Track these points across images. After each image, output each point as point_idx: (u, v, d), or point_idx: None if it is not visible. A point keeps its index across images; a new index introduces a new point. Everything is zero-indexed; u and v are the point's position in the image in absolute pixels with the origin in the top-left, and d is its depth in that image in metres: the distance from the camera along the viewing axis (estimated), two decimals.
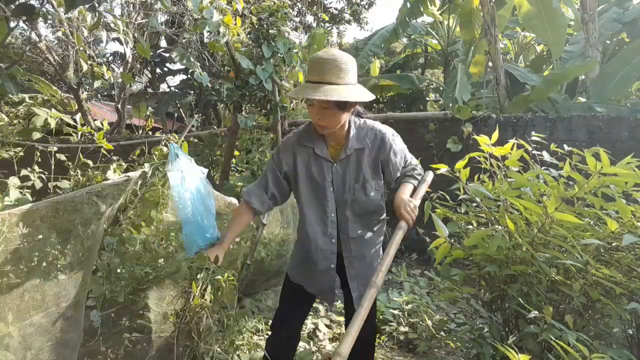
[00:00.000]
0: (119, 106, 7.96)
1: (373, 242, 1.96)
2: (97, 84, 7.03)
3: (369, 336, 2.06)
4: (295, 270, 2.06)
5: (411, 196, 1.87)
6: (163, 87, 9.18)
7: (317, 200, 1.90)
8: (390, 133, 1.96)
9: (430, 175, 2.00)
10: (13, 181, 2.60)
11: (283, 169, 1.92)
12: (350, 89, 1.70)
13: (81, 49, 5.48)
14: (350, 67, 1.70)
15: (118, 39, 6.35)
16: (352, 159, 1.87)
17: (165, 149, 2.13)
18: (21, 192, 2.62)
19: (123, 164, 2.53)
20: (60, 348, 1.57)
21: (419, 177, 1.96)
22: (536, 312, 1.60)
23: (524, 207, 1.74)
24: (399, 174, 1.96)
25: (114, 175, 2.39)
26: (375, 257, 1.96)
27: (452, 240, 1.96)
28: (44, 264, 1.48)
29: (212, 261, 1.80)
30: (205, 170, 2.20)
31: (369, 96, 1.76)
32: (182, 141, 2.15)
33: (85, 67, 5.26)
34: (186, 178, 2.00)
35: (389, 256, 1.67)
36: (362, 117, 1.98)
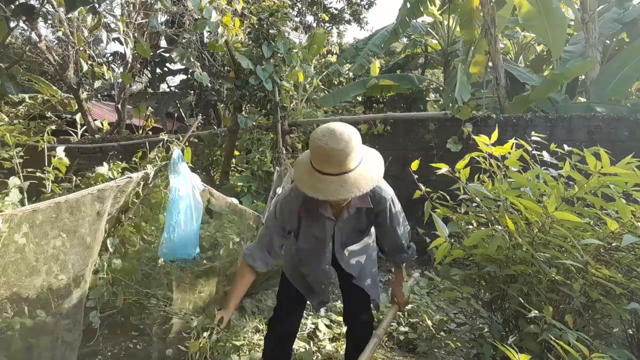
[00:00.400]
0: (119, 106, 7.95)
1: (365, 245, 2.17)
2: (97, 84, 7.05)
3: (367, 335, 2.11)
4: (291, 277, 2.18)
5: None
6: (163, 87, 9.17)
7: (316, 249, 2.04)
8: (390, 197, 1.98)
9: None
10: (13, 181, 2.60)
11: (287, 228, 1.97)
12: (366, 168, 1.64)
13: (81, 49, 5.49)
14: (355, 144, 1.60)
15: (118, 39, 6.35)
16: (353, 216, 1.97)
17: (168, 150, 2.13)
18: (21, 193, 2.63)
19: (119, 162, 2.53)
20: (60, 348, 1.57)
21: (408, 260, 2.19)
22: (536, 312, 1.60)
23: (524, 206, 1.74)
24: (390, 241, 2.10)
25: (106, 172, 2.39)
26: (365, 250, 2.16)
27: (452, 240, 1.96)
28: (45, 264, 1.48)
29: (217, 323, 1.86)
30: (201, 188, 2.22)
31: (380, 166, 1.75)
32: (186, 145, 2.16)
33: (85, 67, 5.26)
34: (184, 185, 2.03)
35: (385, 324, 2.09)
36: None
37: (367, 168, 1.65)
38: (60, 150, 2.60)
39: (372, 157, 1.75)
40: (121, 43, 5.75)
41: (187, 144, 2.15)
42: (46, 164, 2.70)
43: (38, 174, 2.66)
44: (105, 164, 2.43)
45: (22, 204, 2.40)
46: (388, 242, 2.11)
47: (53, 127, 4.29)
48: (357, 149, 1.62)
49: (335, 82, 9.74)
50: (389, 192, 1.97)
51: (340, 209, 1.90)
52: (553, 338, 1.45)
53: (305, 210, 1.89)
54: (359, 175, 1.61)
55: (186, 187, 2.03)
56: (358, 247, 2.12)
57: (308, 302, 2.22)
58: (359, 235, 2.10)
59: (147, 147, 2.25)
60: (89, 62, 6.11)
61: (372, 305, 2.20)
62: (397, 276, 2.24)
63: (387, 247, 2.15)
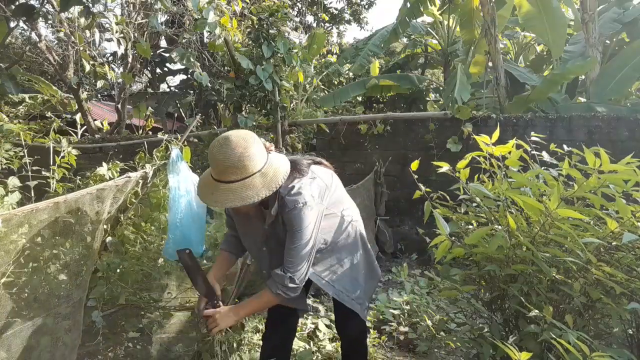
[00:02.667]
0: (119, 106, 7.95)
1: None
2: (99, 84, 7.05)
3: (359, 336, 2.12)
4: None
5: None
6: (163, 87, 9.18)
7: (250, 247, 2.00)
8: (301, 204, 1.69)
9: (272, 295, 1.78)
10: (13, 181, 2.61)
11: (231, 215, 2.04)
12: (249, 184, 1.60)
13: (81, 48, 5.49)
14: (246, 162, 1.59)
15: (113, 39, 6.35)
16: (279, 222, 1.80)
17: (166, 149, 2.13)
18: (22, 192, 2.63)
19: (118, 162, 2.53)
20: (60, 348, 1.57)
21: (280, 294, 1.75)
22: (536, 311, 1.60)
23: (525, 203, 1.74)
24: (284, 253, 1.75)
25: (106, 172, 2.39)
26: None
27: (453, 239, 1.96)
28: (45, 264, 1.48)
29: (204, 326, 1.81)
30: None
31: (265, 190, 1.62)
32: (184, 145, 2.15)
33: (87, 67, 5.27)
34: (184, 184, 2.03)
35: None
36: (302, 174, 1.78)
37: (248, 186, 1.60)
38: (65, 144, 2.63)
39: (276, 165, 1.69)
40: (119, 43, 5.75)
41: (185, 143, 2.15)
42: (51, 163, 2.70)
43: (44, 173, 2.67)
44: (104, 164, 2.43)
45: (23, 205, 2.40)
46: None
47: (56, 125, 4.29)
48: (254, 157, 1.61)
49: (335, 82, 9.74)
50: (301, 198, 1.69)
51: (259, 210, 1.84)
52: (554, 336, 1.45)
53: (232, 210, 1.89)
54: (239, 188, 1.60)
55: (187, 185, 2.03)
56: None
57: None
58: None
59: (145, 147, 2.25)
60: (91, 62, 6.11)
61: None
62: (250, 300, 1.85)
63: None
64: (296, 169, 1.79)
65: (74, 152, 2.66)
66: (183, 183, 2.02)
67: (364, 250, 2.07)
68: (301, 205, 1.68)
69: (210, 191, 1.66)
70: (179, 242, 2.02)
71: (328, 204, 1.86)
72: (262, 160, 1.66)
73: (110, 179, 2.35)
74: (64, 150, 2.66)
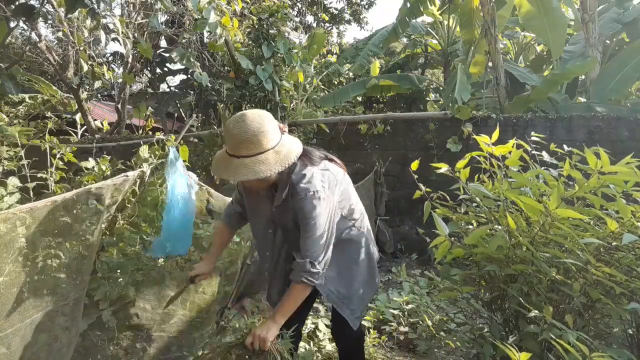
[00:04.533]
0: (119, 106, 7.94)
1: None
2: (97, 84, 7.04)
3: (354, 343, 2.12)
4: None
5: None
6: (163, 87, 9.18)
7: (257, 228, 2.04)
8: (312, 191, 1.71)
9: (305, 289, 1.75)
10: (13, 181, 2.61)
11: (240, 190, 2.12)
12: (261, 160, 1.63)
13: (81, 49, 5.48)
14: (261, 138, 1.63)
15: (117, 39, 6.36)
16: (286, 205, 1.82)
17: (163, 148, 2.13)
18: (21, 193, 2.63)
19: (106, 156, 2.53)
20: (58, 346, 1.57)
21: (305, 281, 1.71)
22: (536, 311, 1.60)
23: (525, 204, 1.74)
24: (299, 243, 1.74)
25: (94, 167, 2.39)
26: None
27: (452, 239, 1.95)
28: (43, 263, 1.48)
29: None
30: (196, 188, 2.23)
31: (278, 166, 1.65)
32: (181, 144, 2.15)
33: (85, 68, 5.26)
34: (180, 184, 2.03)
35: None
36: (303, 166, 1.79)
37: (262, 161, 1.64)
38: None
39: (289, 145, 1.72)
40: (124, 43, 5.75)
41: (182, 142, 2.15)
42: (49, 165, 2.70)
43: (41, 175, 2.66)
44: (90, 159, 2.42)
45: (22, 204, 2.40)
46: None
47: (50, 126, 4.29)
48: (268, 134, 1.65)
49: (335, 82, 9.74)
50: (312, 186, 1.70)
51: (270, 192, 1.86)
52: (553, 337, 1.45)
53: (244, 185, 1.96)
54: (252, 163, 1.63)
55: (182, 185, 2.03)
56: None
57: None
58: (295, 226, 1.82)
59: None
60: (89, 62, 6.11)
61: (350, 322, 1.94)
62: (281, 301, 1.76)
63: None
64: (308, 157, 1.81)
65: (69, 149, 2.66)
66: (179, 183, 2.02)
67: (367, 256, 2.02)
68: (312, 194, 1.69)
69: (225, 165, 1.68)
70: (172, 240, 2.03)
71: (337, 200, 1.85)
72: (276, 138, 1.69)
73: (100, 174, 2.35)
74: (59, 152, 2.65)
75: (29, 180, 2.63)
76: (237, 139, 1.64)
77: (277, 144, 1.69)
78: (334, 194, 1.81)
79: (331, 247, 1.77)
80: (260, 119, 1.67)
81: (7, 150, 2.98)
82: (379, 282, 2.16)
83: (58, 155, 2.76)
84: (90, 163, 2.38)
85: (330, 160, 1.94)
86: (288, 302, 1.72)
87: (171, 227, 2.00)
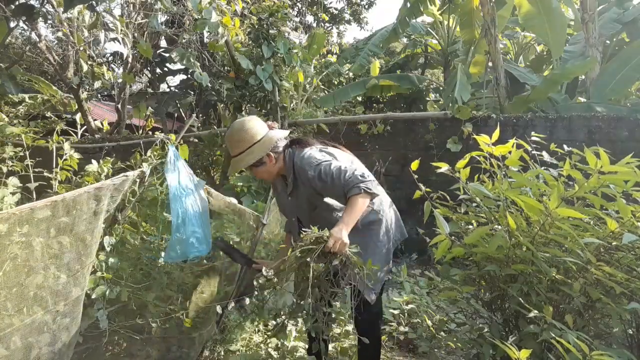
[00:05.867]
0: (119, 106, 7.94)
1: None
2: (97, 84, 7.04)
3: (368, 327, 2.13)
4: None
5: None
6: (163, 87, 9.17)
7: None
8: (312, 168, 1.99)
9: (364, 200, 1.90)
10: (13, 181, 2.60)
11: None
12: (250, 151, 2.05)
13: (81, 49, 5.48)
14: (245, 135, 2.05)
15: (117, 39, 6.36)
16: (298, 191, 2.13)
17: (163, 148, 2.12)
18: (22, 193, 2.62)
19: (109, 158, 2.52)
20: (58, 346, 1.57)
21: (363, 189, 1.87)
22: (536, 312, 1.60)
23: (525, 203, 1.73)
24: (340, 190, 1.92)
25: (96, 169, 2.39)
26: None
27: (452, 238, 1.95)
28: (43, 262, 1.48)
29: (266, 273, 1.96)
30: (203, 183, 2.24)
31: (261, 152, 2.05)
32: (181, 143, 2.14)
33: (85, 68, 5.25)
34: (183, 183, 2.02)
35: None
36: (301, 149, 2.13)
37: (248, 154, 2.04)
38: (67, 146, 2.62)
39: (272, 135, 2.09)
40: (124, 43, 5.74)
41: (182, 141, 2.14)
42: (54, 165, 2.69)
43: (45, 174, 2.65)
44: (94, 161, 2.43)
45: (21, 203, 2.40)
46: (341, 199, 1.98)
47: (60, 127, 4.28)
48: (250, 132, 2.05)
49: (335, 82, 9.73)
50: (313, 159, 2.01)
51: (285, 185, 2.20)
52: (554, 335, 1.45)
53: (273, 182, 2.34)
54: (242, 157, 2.06)
55: (186, 184, 2.02)
56: (320, 220, 2.00)
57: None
58: (313, 210, 2.12)
59: (142, 147, 2.24)
60: (89, 62, 6.11)
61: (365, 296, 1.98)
62: (344, 212, 1.90)
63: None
64: (304, 143, 2.16)
65: (76, 155, 2.65)
66: (182, 182, 2.01)
67: (386, 237, 2.13)
68: (316, 164, 1.98)
69: (230, 165, 2.15)
70: (184, 242, 1.99)
71: None
72: (260, 134, 2.07)
73: (101, 174, 2.35)
74: (66, 153, 2.65)
75: (32, 180, 2.62)
76: (228, 143, 2.14)
77: (262, 138, 2.06)
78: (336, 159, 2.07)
79: (358, 166, 2.11)
80: (239, 124, 2.10)
81: (11, 150, 2.98)
82: (391, 263, 2.25)
83: (65, 156, 2.75)
84: (94, 166, 2.38)
85: (333, 146, 2.25)
86: (352, 212, 1.87)
87: (183, 227, 1.98)
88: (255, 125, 2.08)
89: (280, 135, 2.11)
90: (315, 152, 2.08)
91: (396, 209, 2.31)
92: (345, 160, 2.10)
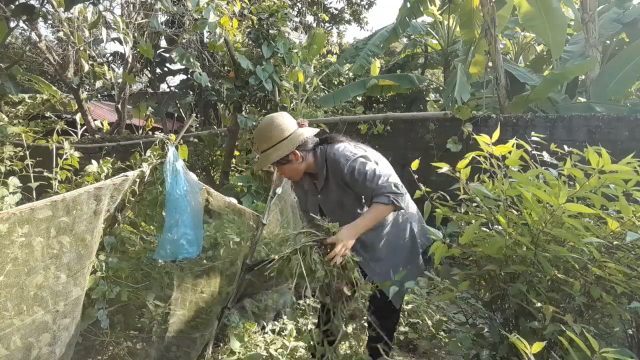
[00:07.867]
0: (119, 106, 7.95)
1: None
2: (98, 84, 7.05)
3: (384, 323, 2.09)
4: None
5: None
6: (163, 87, 9.17)
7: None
8: (349, 162, 2.00)
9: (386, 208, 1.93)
10: (13, 181, 2.60)
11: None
12: (277, 148, 2.00)
13: (81, 48, 5.48)
14: (273, 131, 2.01)
15: (118, 39, 6.35)
16: (328, 189, 2.12)
17: (162, 148, 2.12)
18: (23, 193, 2.63)
19: (109, 159, 2.52)
20: (58, 346, 1.57)
21: (391, 199, 1.89)
22: (539, 304, 1.60)
23: (527, 201, 1.73)
24: (369, 192, 1.95)
25: (96, 169, 2.39)
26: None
27: (451, 240, 1.95)
28: (43, 262, 1.48)
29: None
30: (200, 185, 2.24)
31: (287, 149, 2.00)
32: (180, 143, 2.15)
33: (86, 67, 5.26)
34: (181, 184, 2.02)
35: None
36: (333, 144, 2.10)
37: (277, 149, 2.00)
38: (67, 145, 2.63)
39: (302, 131, 2.05)
40: (121, 43, 5.75)
41: (182, 142, 2.15)
42: (54, 165, 2.69)
43: (45, 174, 2.66)
44: (94, 162, 2.44)
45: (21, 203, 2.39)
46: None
47: (61, 126, 4.28)
48: (273, 136, 2.01)
49: (335, 82, 9.74)
50: (348, 153, 2.01)
51: (312, 184, 2.19)
52: (562, 328, 1.44)
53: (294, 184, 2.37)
54: (270, 153, 2.01)
55: (183, 185, 2.02)
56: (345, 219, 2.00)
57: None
58: (341, 208, 2.10)
59: (142, 147, 2.25)
60: (90, 62, 6.11)
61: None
62: (363, 216, 1.94)
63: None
64: (335, 139, 2.13)
65: (76, 154, 2.66)
66: (180, 183, 2.01)
67: (410, 238, 2.14)
68: (351, 159, 1.97)
69: (258, 161, 2.15)
70: (175, 242, 2.00)
71: None
72: (289, 130, 2.03)
73: (101, 174, 2.35)
74: (66, 153, 2.65)
75: (32, 180, 2.62)
76: (256, 139, 2.11)
77: (290, 135, 2.01)
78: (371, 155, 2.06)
79: (389, 171, 2.04)
80: (269, 119, 2.05)
81: (11, 150, 2.98)
82: (422, 265, 2.23)
83: (65, 156, 2.75)
84: (94, 166, 2.39)
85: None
86: (370, 218, 1.90)
87: (176, 228, 1.99)
88: (285, 122, 2.04)
89: (309, 133, 2.07)
90: (349, 146, 2.07)
91: (421, 215, 2.30)
92: (382, 163, 2.09)
